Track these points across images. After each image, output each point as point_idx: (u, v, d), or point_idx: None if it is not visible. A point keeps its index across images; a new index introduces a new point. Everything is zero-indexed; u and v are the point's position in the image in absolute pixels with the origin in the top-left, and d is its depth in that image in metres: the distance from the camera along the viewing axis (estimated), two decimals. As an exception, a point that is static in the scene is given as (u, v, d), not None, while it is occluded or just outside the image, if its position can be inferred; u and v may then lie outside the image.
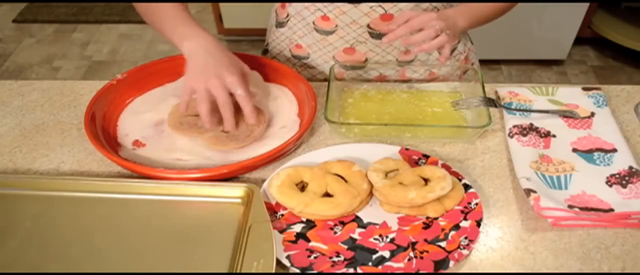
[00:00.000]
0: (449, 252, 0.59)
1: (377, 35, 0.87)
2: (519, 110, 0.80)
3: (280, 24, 0.95)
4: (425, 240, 0.61)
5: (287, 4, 0.92)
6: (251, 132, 0.75)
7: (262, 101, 0.83)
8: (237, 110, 0.73)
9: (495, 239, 0.62)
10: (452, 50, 0.94)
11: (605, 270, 0.59)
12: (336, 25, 0.87)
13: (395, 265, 0.58)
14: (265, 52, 1.02)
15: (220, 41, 0.74)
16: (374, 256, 0.59)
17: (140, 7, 0.80)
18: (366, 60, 0.91)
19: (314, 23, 0.88)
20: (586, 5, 2.14)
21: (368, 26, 0.86)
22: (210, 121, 0.72)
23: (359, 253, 0.60)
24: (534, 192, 0.64)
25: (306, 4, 0.87)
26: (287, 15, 0.92)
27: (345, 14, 0.85)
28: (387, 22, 0.85)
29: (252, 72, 0.81)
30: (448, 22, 0.78)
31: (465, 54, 0.97)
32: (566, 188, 0.67)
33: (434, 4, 0.86)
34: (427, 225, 0.63)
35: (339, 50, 0.90)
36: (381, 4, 0.83)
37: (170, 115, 0.79)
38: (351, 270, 0.57)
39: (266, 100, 0.84)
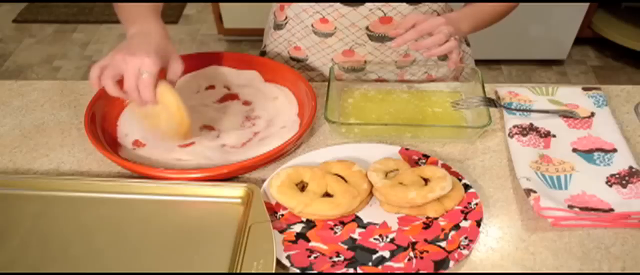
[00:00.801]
0: (449, 252, 0.59)
1: (376, 38, 0.87)
2: (519, 110, 0.80)
3: (278, 26, 0.95)
4: (425, 240, 0.61)
5: (286, 6, 0.91)
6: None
7: (259, 101, 0.83)
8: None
9: (495, 239, 0.62)
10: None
11: (605, 270, 0.59)
12: (335, 28, 0.87)
13: (395, 265, 0.58)
14: (263, 53, 1.02)
15: (165, 31, 0.71)
16: (374, 256, 0.59)
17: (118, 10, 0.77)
18: (365, 62, 0.91)
19: (312, 25, 0.88)
20: (586, 5, 2.14)
21: (367, 29, 0.86)
22: (115, 90, 0.67)
23: (359, 253, 0.60)
24: (534, 192, 0.64)
25: (305, 7, 0.87)
26: (286, 18, 0.92)
27: (344, 16, 0.85)
28: (388, 25, 0.85)
29: (249, 72, 0.81)
30: (454, 27, 0.78)
31: (460, 56, 0.97)
32: (566, 188, 0.67)
33: (433, 7, 0.86)
34: (427, 225, 0.63)
35: (337, 53, 0.90)
36: (380, 6, 0.83)
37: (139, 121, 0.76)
38: (351, 270, 0.57)
39: (265, 101, 0.84)
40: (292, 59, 0.96)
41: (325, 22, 0.87)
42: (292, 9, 0.90)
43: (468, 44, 1.00)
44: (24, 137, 0.79)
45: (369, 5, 0.83)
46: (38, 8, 2.86)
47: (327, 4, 0.84)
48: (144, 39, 0.68)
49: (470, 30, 0.83)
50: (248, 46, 2.53)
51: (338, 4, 0.84)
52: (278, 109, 0.82)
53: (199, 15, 2.77)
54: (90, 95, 0.81)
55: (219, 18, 2.47)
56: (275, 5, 0.95)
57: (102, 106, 0.79)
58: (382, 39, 0.87)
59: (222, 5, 2.41)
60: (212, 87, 0.88)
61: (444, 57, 0.91)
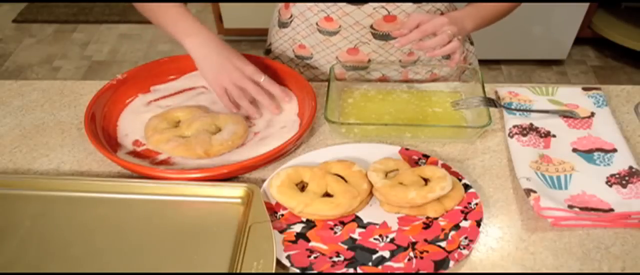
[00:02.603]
0: (449, 252, 0.59)
1: (380, 36, 0.87)
2: (519, 110, 0.80)
3: (283, 25, 0.95)
4: (425, 240, 0.61)
5: (290, 5, 0.92)
6: (207, 144, 0.73)
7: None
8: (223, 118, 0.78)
9: (495, 239, 0.62)
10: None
11: (605, 270, 0.59)
12: (339, 26, 0.87)
13: (395, 265, 0.58)
14: (268, 52, 1.02)
15: (215, 36, 0.79)
16: (374, 256, 0.59)
17: (139, 5, 0.81)
18: (369, 61, 0.91)
19: (317, 24, 0.88)
20: (586, 5, 2.14)
21: (371, 27, 0.86)
22: (256, 111, 0.79)
23: (359, 253, 0.60)
24: (534, 192, 0.64)
25: (309, 5, 0.87)
26: (291, 16, 0.92)
27: (349, 15, 0.85)
28: (392, 23, 0.85)
29: None
30: (458, 26, 0.78)
31: (464, 54, 0.97)
32: (566, 188, 0.67)
33: (437, 5, 0.86)
34: (427, 225, 0.63)
35: (342, 51, 0.90)
36: (384, 5, 0.83)
37: (149, 137, 0.75)
38: (351, 270, 0.57)
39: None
40: (297, 57, 0.96)
41: (329, 21, 0.87)
42: (297, 7, 0.90)
43: (472, 43, 1.00)
44: (24, 137, 0.79)
45: (373, 3, 0.83)
46: (38, 8, 2.86)
47: (331, 3, 0.84)
48: (221, 51, 0.77)
49: (473, 29, 0.83)
50: (248, 46, 2.53)
51: (342, 3, 0.84)
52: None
53: (199, 15, 2.77)
54: (90, 95, 0.81)
55: (219, 18, 2.47)
56: (280, 4, 0.96)
57: (102, 106, 0.79)
58: (386, 37, 0.87)
59: (222, 5, 2.41)
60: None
61: (447, 57, 0.91)
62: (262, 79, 0.77)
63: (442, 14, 0.86)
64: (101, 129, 0.76)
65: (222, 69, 0.75)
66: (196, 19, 0.79)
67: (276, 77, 0.87)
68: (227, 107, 0.79)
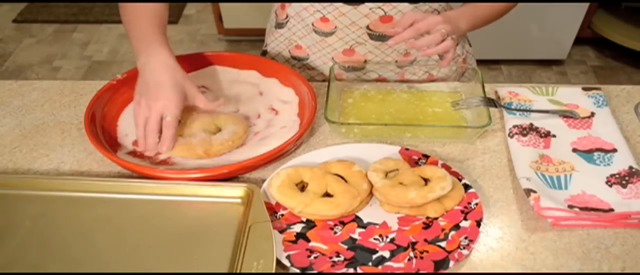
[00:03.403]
0: (449, 252, 0.59)
1: (376, 37, 0.87)
2: (519, 110, 0.80)
3: (279, 25, 0.95)
4: (425, 240, 0.61)
5: (286, 5, 0.92)
6: (207, 145, 0.73)
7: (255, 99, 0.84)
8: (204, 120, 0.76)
9: (495, 239, 0.62)
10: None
11: (605, 270, 0.59)
12: (335, 27, 0.87)
13: (395, 265, 0.58)
14: (265, 53, 1.02)
15: (174, 61, 0.73)
16: (374, 256, 0.59)
17: (122, 11, 0.80)
18: (365, 61, 0.91)
19: (313, 24, 0.88)
20: (586, 5, 2.14)
21: (367, 28, 0.86)
22: (143, 144, 0.72)
23: (359, 253, 0.60)
24: (534, 192, 0.64)
25: (305, 5, 0.87)
26: (287, 16, 0.92)
27: (345, 15, 0.85)
28: (388, 24, 0.85)
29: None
30: (452, 25, 0.78)
31: (463, 56, 0.97)
32: (566, 188, 0.67)
33: (434, 6, 0.86)
34: (427, 225, 0.63)
35: (338, 52, 0.90)
36: (381, 5, 0.83)
37: None
38: (351, 270, 0.57)
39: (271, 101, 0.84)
40: (293, 58, 0.96)
41: (325, 21, 0.87)
42: (293, 7, 0.90)
43: (469, 44, 1.00)
44: (24, 137, 0.79)
45: (369, 4, 0.83)
46: (38, 8, 2.86)
47: (327, 3, 0.84)
48: (154, 77, 0.71)
49: (469, 29, 0.83)
50: (248, 46, 2.53)
51: (339, 3, 0.84)
52: (278, 109, 0.82)
53: (199, 15, 2.77)
54: (90, 95, 0.81)
55: (219, 18, 2.47)
56: (277, 5, 0.96)
57: (102, 106, 0.79)
58: (382, 38, 0.87)
59: (222, 5, 2.41)
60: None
61: (440, 56, 0.91)
62: (168, 117, 0.70)
63: (438, 14, 0.86)
64: (101, 129, 0.76)
65: (144, 94, 0.71)
66: (159, 37, 0.74)
67: (276, 77, 0.88)
68: (139, 141, 0.73)
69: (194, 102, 0.73)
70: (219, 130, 0.76)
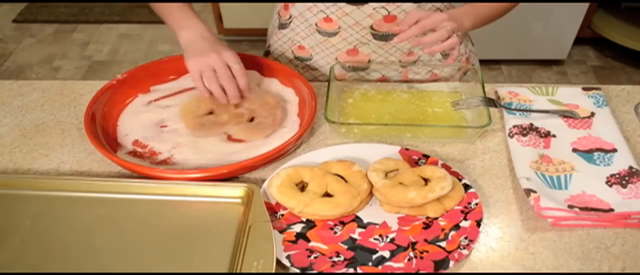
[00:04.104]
0: (449, 252, 0.59)
1: (380, 37, 0.87)
2: (519, 110, 0.80)
3: (282, 26, 0.95)
4: (425, 240, 0.61)
5: (290, 6, 0.91)
6: (273, 117, 0.78)
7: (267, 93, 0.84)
8: (254, 100, 0.80)
9: (495, 239, 0.62)
10: None
11: (605, 270, 0.59)
12: (339, 27, 0.87)
13: (395, 265, 0.58)
14: (267, 53, 1.02)
15: (211, 32, 0.80)
16: (374, 256, 0.59)
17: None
18: (369, 61, 0.91)
19: (316, 24, 0.88)
20: (586, 5, 2.14)
21: (371, 27, 0.86)
22: (223, 97, 0.77)
23: (359, 253, 0.60)
24: (534, 192, 0.64)
25: (309, 6, 0.87)
26: (290, 17, 0.92)
27: (348, 15, 0.85)
28: (392, 23, 0.85)
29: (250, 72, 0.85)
30: (457, 22, 0.78)
31: (466, 55, 0.97)
32: (566, 188, 0.67)
33: (437, 5, 0.86)
34: (427, 225, 0.63)
35: (341, 52, 0.90)
36: (384, 5, 0.83)
37: (184, 118, 0.79)
38: (351, 270, 0.57)
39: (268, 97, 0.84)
40: (297, 58, 0.96)
41: (329, 21, 0.87)
42: (296, 8, 0.90)
43: (472, 43, 1.00)
44: (24, 137, 0.79)
45: (373, 4, 0.83)
46: (38, 8, 2.86)
47: (331, 3, 0.84)
48: (209, 41, 0.78)
49: (472, 27, 0.83)
50: (248, 46, 2.53)
51: (342, 3, 0.84)
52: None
53: (199, 15, 2.77)
54: (90, 95, 0.81)
55: (219, 18, 2.47)
56: (280, 5, 0.95)
57: (102, 106, 0.79)
58: (386, 37, 0.87)
59: (222, 5, 2.41)
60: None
61: (445, 55, 0.91)
62: (235, 65, 0.77)
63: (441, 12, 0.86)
64: (101, 129, 0.76)
65: (201, 53, 0.76)
66: (192, 13, 0.82)
67: (276, 77, 0.88)
68: (200, 90, 0.78)
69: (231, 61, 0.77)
70: (252, 119, 0.79)
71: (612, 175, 0.68)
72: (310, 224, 0.64)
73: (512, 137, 0.75)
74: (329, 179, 0.66)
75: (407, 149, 0.73)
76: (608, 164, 0.70)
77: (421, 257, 0.58)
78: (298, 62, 0.96)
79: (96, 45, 2.60)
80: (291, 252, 0.59)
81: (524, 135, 0.75)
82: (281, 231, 0.62)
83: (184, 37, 0.79)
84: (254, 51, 2.25)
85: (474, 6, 0.83)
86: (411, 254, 0.59)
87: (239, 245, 0.59)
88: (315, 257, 0.59)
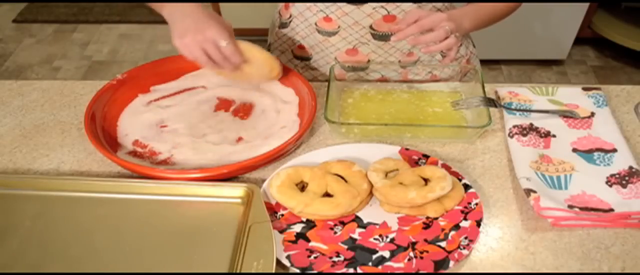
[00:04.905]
0: (449, 252, 0.59)
1: (379, 37, 0.87)
2: (519, 110, 0.80)
3: (283, 25, 0.95)
4: (425, 240, 0.61)
5: (290, 5, 0.92)
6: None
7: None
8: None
9: (495, 239, 0.62)
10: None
11: (605, 270, 0.59)
12: (339, 26, 0.87)
13: (395, 265, 0.58)
14: None
15: (200, 5, 0.77)
16: (374, 256, 0.59)
17: None
18: (369, 61, 0.91)
19: (316, 24, 0.88)
20: (586, 5, 2.14)
21: (371, 27, 0.86)
22: (213, 66, 0.76)
23: (359, 253, 0.60)
24: (534, 192, 0.64)
25: (309, 5, 0.87)
26: (290, 16, 0.92)
27: (348, 15, 0.85)
28: (391, 23, 0.85)
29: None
30: (456, 23, 0.78)
31: (467, 56, 0.97)
32: (566, 188, 0.67)
33: (437, 6, 0.86)
34: (427, 225, 0.63)
35: (341, 52, 0.90)
36: (384, 5, 0.83)
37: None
38: (351, 270, 0.57)
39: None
40: (296, 57, 0.96)
41: (329, 21, 0.87)
42: (296, 7, 0.90)
43: (474, 45, 1.00)
44: (24, 137, 0.79)
45: (372, 3, 0.83)
46: (38, 8, 2.86)
47: (330, 2, 0.84)
48: (191, 17, 0.74)
49: (472, 28, 0.83)
50: (248, 46, 2.53)
51: (342, 2, 0.84)
52: (278, 109, 0.82)
53: None
54: (90, 95, 0.81)
55: (218, 18, 2.46)
56: (280, 4, 0.96)
57: (102, 106, 0.79)
58: (385, 37, 0.87)
59: (222, 5, 2.41)
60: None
61: (444, 55, 0.91)
62: (224, 44, 0.74)
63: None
64: (101, 129, 0.76)
65: (187, 31, 0.74)
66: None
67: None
68: (201, 65, 0.77)
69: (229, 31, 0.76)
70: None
71: (612, 175, 0.68)
72: (310, 224, 0.64)
73: (512, 137, 0.75)
74: (329, 179, 0.66)
75: (407, 149, 0.73)
76: (608, 164, 0.70)
77: (421, 257, 0.58)
78: (298, 61, 0.96)
79: (96, 45, 2.60)
80: (291, 252, 0.59)
81: (524, 135, 0.75)
82: (281, 231, 0.62)
83: (166, 15, 0.77)
84: (254, 51, 2.24)
85: (474, 7, 0.83)
86: (411, 254, 0.59)
87: (239, 245, 0.59)
88: (315, 257, 0.59)
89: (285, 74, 0.87)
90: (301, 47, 0.94)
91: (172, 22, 0.76)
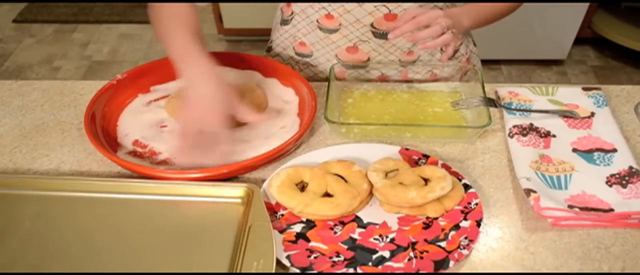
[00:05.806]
0: (449, 252, 0.59)
1: (380, 35, 0.87)
2: (519, 110, 0.80)
3: (284, 22, 0.96)
4: (425, 240, 0.61)
5: (292, 2, 0.92)
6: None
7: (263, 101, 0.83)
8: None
9: (495, 239, 0.62)
10: (455, 52, 0.94)
11: (605, 270, 0.59)
12: (340, 24, 0.87)
13: (395, 265, 0.58)
14: (270, 49, 1.02)
15: (213, 71, 0.68)
16: (374, 256, 0.59)
17: (155, 25, 0.78)
18: (369, 59, 0.91)
19: (317, 21, 0.89)
20: (586, 5, 2.14)
21: (371, 25, 0.86)
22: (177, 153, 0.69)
23: (359, 253, 0.60)
24: (534, 192, 0.64)
25: (311, 2, 0.87)
26: (292, 13, 0.93)
27: (349, 12, 0.85)
28: (392, 22, 0.85)
29: (251, 73, 0.83)
30: (454, 21, 0.78)
31: (467, 55, 0.97)
32: (566, 188, 0.67)
33: (439, 5, 0.86)
34: (427, 225, 0.63)
35: (341, 49, 0.90)
36: (385, 3, 0.83)
37: (169, 107, 0.81)
38: (351, 270, 0.57)
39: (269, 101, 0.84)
40: (298, 54, 0.96)
41: (330, 18, 0.87)
42: (298, 4, 0.90)
43: (474, 44, 1.00)
44: (24, 137, 0.79)
45: (374, 2, 0.83)
46: (38, 8, 2.86)
47: (332, 1, 0.84)
48: (199, 90, 0.66)
49: (471, 26, 0.83)
50: (248, 46, 2.53)
51: (344, 1, 0.84)
52: (278, 109, 0.82)
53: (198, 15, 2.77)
54: (90, 95, 0.81)
55: (219, 18, 2.47)
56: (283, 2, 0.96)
57: (102, 106, 0.79)
58: (386, 36, 0.87)
59: (222, 5, 2.41)
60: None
61: (441, 51, 0.91)
62: (208, 130, 0.66)
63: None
64: (101, 129, 0.76)
65: (190, 110, 0.67)
66: (198, 47, 0.70)
67: (276, 76, 0.88)
68: (184, 139, 0.68)
69: (236, 114, 0.69)
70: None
71: (612, 175, 0.68)
72: (310, 224, 0.64)
73: (512, 137, 0.75)
74: (329, 179, 0.66)
75: (407, 149, 0.73)
76: (608, 164, 0.70)
77: (421, 257, 0.58)
78: (299, 58, 0.97)
79: (96, 45, 2.60)
80: (291, 252, 0.59)
81: (524, 135, 0.75)
82: (281, 231, 0.62)
83: (185, 75, 0.69)
84: (254, 51, 2.26)
85: (475, 6, 0.83)
86: (411, 254, 0.59)
87: (239, 245, 0.59)
88: (315, 257, 0.59)
89: (286, 73, 0.87)
90: (302, 43, 0.94)
91: (190, 85, 0.68)
